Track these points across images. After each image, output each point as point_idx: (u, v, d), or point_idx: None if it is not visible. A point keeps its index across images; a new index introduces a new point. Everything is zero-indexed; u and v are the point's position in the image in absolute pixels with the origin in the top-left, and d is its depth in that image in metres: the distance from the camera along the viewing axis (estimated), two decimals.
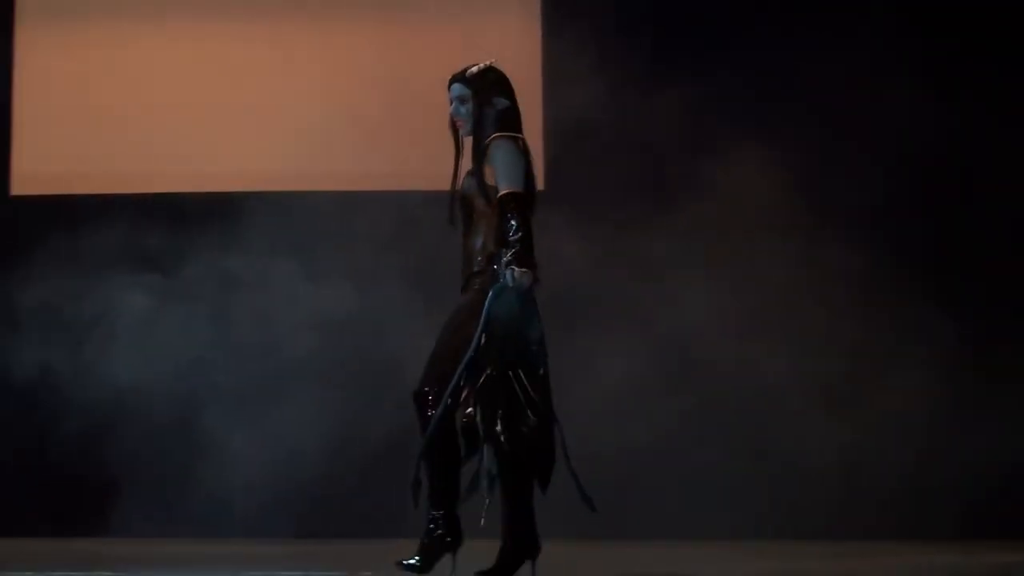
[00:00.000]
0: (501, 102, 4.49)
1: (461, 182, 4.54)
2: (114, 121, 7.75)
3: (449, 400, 4.23)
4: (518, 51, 7.84)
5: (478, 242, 4.41)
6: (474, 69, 4.53)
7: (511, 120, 4.50)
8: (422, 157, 7.58)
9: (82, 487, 7.39)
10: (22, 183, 7.94)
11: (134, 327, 7.35)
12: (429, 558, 4.33)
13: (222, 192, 7.66)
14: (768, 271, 7.49)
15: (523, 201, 4.34)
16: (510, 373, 4.25)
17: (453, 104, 4.53)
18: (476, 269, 4.38)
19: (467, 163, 4.63)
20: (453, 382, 4.22)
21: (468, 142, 4.56)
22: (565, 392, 6.72)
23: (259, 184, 7.70)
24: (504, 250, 4.25)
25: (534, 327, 4.30)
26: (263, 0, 7.93)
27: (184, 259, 7.39)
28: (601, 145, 7.79)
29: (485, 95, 4.47)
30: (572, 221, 7.38)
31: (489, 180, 4.41)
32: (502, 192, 4.32)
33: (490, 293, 4.26)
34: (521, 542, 4.30)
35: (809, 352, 7.39)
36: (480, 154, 4.45)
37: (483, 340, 4.23)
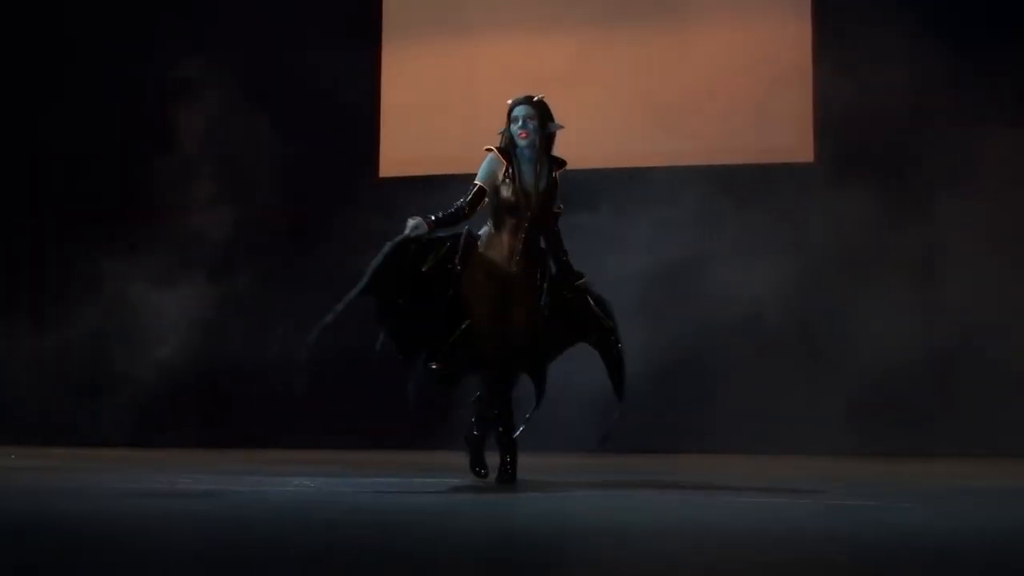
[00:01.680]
0: (556, 125, 5.84)
1: (536, 182, 5.75)
2: (463, 113, 9.38)
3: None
4: (788, 26, 9.05)
5: (534, 248, 5.75)
6: (537, 97, 5.85)
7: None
8: (719, 134, 9.08)
9: None
10: (388, 166, 9.92)
11: None
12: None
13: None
14: None
15: None
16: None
17: (521, 121, 5.77)
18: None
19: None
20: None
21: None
22: (854, 348, 8.06)
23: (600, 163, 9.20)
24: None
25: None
26: (572, 18, 9.54)
27: None
28: (870, 120, 8.67)
29: (545, 118, 5.82)
30: (844, 196, 8.47)
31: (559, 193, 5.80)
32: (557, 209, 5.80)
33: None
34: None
35: None
36: (551, 169, 5.77)
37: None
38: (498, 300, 5.68)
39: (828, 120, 8.87)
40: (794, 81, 9.00)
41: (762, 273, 8.63)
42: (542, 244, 5.85)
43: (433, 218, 5.64)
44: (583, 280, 5.89)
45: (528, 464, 5.99)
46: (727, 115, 9.08)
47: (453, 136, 9.32)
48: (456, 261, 5.70)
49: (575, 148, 9.30)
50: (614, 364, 5.91)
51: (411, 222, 5.60)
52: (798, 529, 3.98)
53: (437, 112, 9.65)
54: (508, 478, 5.68)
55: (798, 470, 7.07)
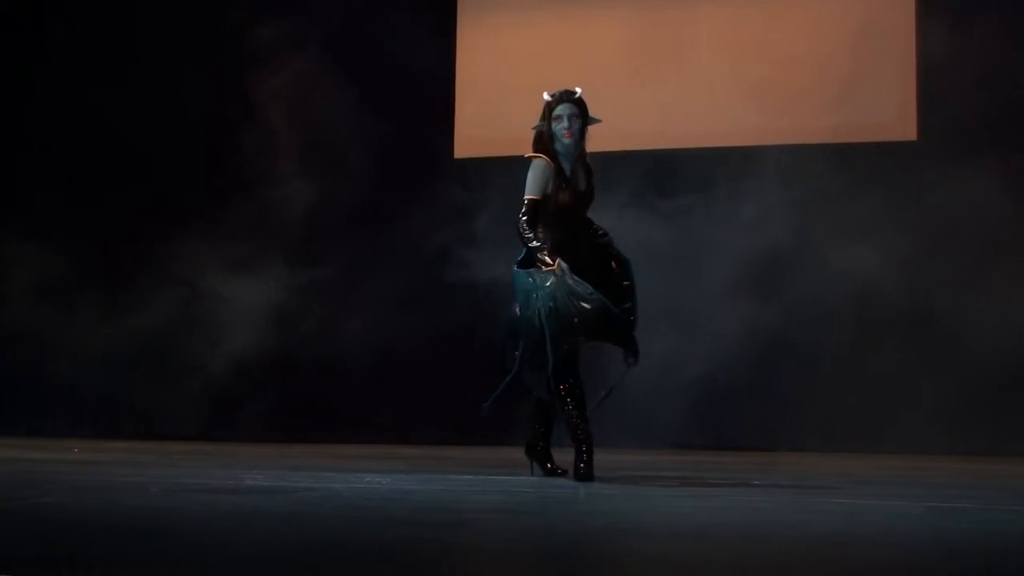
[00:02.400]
0: (594, 120, 5.91)
1: (579, 182, 5.86)
2: (539, 91, 9.42)
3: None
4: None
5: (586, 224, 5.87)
6: (578, 94, 5.89)
7: None
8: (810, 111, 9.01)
9: None
10: (463, 146, 9.97)
11: None
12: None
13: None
14: None
15: None
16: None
17: (567, 119, 5.81)
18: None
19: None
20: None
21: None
22: (969, 339, 8.00)
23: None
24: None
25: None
26: None
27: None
28: (973, 86, 8.57)
29: (585, 115, 5.88)
30: (944, 165, 8.40)
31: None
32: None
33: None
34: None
35: None
36: (587, 166, 5.90)
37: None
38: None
39: (931, 93, 8.77)
40: (894, 52, 8.89)
41: (866, 259, 8.55)
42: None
43: (538, 243, 5.69)
44: (607, 237, 5.94)
45: (606, 462, 6.01)
46: (821, 90, 8.99)
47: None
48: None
49: (661, 125, 9.26)
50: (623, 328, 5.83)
51: (556, 264, 5.59)
52: (890, 531, 3.97)
53: (517, 88, 9.53)
54: (584, 473, 5.70)
55: (907, 470, 7.02)
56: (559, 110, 5.84)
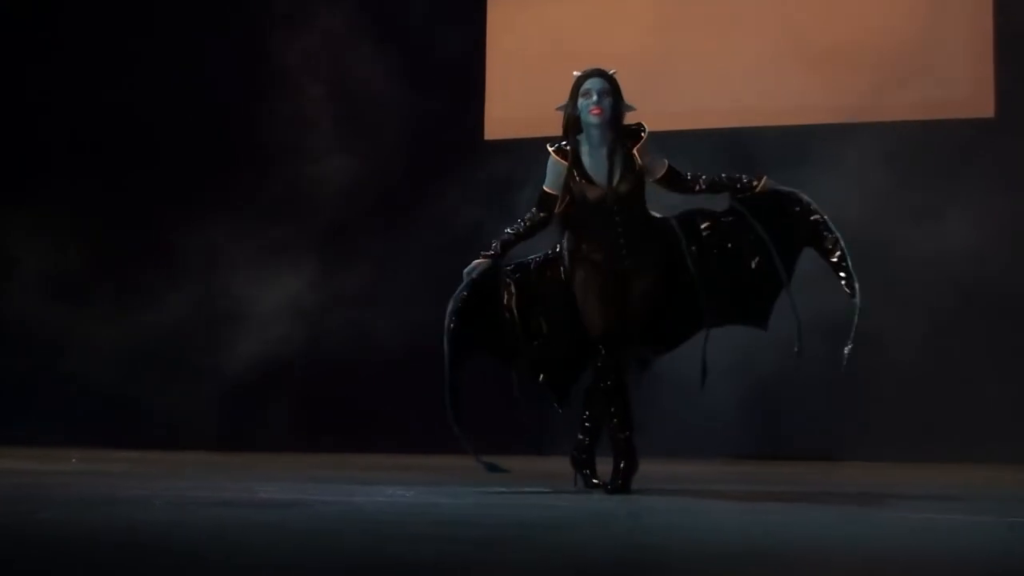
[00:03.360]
0: (628, 106, 5.69)
1: (611, 168, 5.64)
2: (572, 69, 9.41)
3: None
4: None
5: (636, 217, 5.73)
6: (612, 71, 5.70)
7: None
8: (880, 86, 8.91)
9: None
10: (494, 127, 9.93)
11: None
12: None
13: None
14: None
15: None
16: None
17: (596, 96, 5.60)
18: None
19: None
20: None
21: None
22: None
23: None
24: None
25: None
26: None
27: None
28: None
29: (619, 96, 5.67)
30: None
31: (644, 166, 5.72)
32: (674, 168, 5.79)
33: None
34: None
35: None
36: (625, 146, 5.65)
37: None
38: (608, 291, 5.69)
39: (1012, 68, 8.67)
40: (970, 22, 8.77)
41: (944, 245, 8.45)
42: (662, 219, 5.86)
43: (503, 239, 5.82)
44: (762, 183, 5.79)
45: (653, 473, 5.94)
46: (890, 64, 8.86)
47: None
48: (561, 273, 5.81)
49: (718, 101, 9.15)
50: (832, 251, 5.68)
51: (476, 263, 5.80)
52: (967, 550, 3.87)
53: (550, 66, 9.55)
54: (620, 486, 5.64)
55: (987, 482, 6.92)
56: (588, 84, 5.66)
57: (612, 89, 5.65)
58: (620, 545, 4.02)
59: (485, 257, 5.81)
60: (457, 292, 5.78)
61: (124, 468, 7.39)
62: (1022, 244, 8.56)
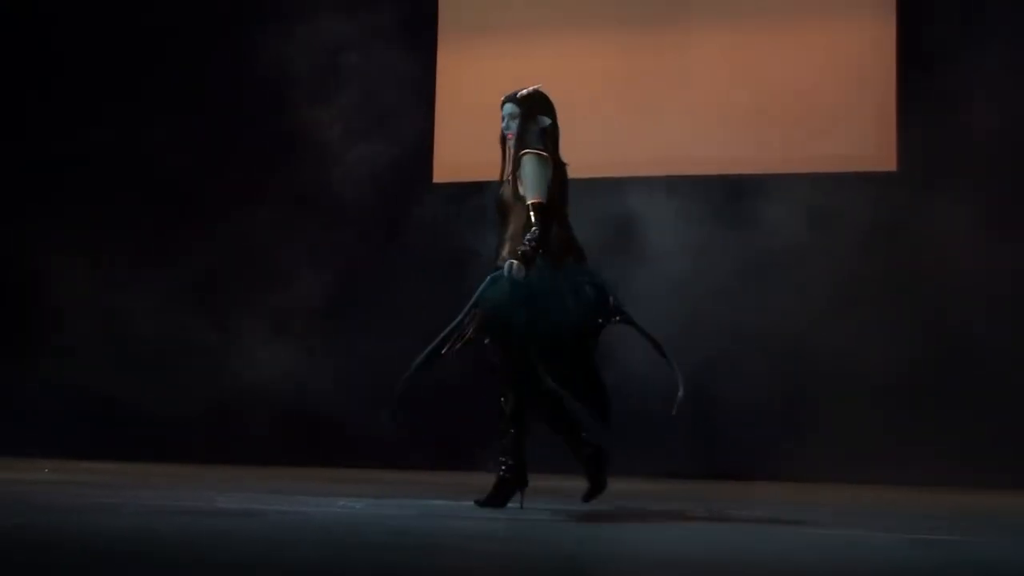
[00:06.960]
0: (544, 120, 5.51)
1: (501, 187, 5.52)
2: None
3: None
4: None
5: (505, 237, 5.43)
6: (524, 92, 5.57)
7: (550, 138, 5.51)
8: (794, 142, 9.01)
9: None
10: (442, 171, 9.91)
11: None
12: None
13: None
14: None
15: (544, 210, 5.27)
16: (486, 342, 5.38)
17: (505, 120, 5.56)
18: (498, 261, 5.37)
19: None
20: (434, 343, 5.34)
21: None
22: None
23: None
24: (518, 247, 5.19)
25: (519, 312, 5.26)
26: (638, 19, 9.47)
27: None
28: (957, 126, 8.56)
29: (531, 114, 5.49)
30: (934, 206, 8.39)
31: (520, 189, 5.36)
32: (529, 201, 5.28)
33: (488, 278, 5.32)
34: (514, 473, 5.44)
35: None
36: (515, 165, 5.41)
37: (470, 313, 5.33)
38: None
39: (911, 125, 8.78)
40: (877, 84, 8.91)
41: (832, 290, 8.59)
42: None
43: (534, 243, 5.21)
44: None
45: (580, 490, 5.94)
46: (803, 121, 9.00)
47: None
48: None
49: (635, 153, 9.21)
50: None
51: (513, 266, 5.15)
52: (866, 562, 3.92)
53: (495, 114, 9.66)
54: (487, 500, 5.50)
55: (909, 504, 6.98)
56: (502, 110, 5.60)
57: (520, 111, 5.53)
58: (552, 555, 4.02)
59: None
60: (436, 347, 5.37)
61: (93, 478, 7.30)
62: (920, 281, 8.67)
